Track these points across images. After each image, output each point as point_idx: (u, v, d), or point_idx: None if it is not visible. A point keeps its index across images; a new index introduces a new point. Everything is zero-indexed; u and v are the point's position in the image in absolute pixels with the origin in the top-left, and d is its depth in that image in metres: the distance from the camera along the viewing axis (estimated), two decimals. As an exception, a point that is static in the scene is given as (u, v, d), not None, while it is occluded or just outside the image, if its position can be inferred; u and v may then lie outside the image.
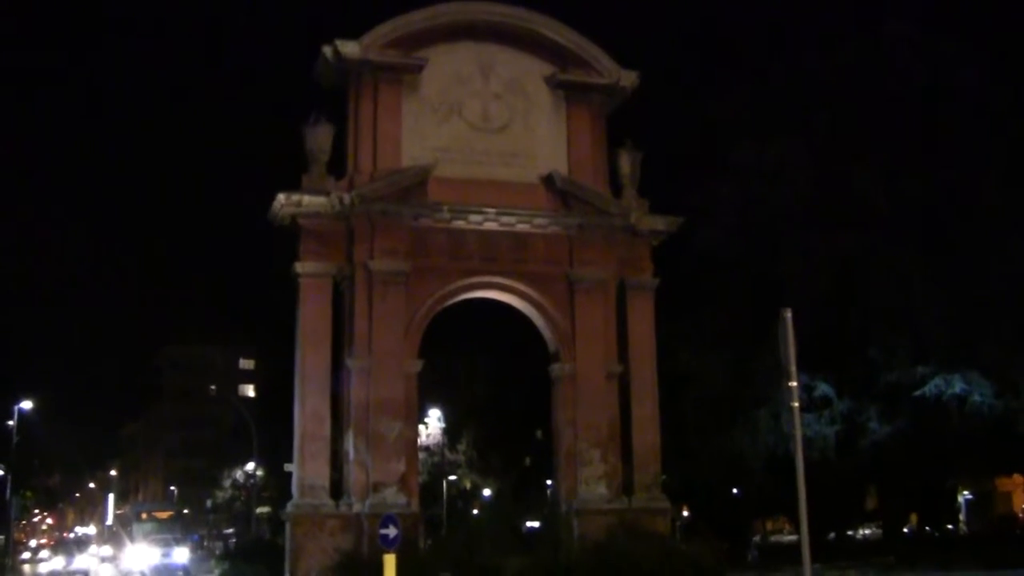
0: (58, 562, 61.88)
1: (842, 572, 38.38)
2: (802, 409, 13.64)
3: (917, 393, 43.38)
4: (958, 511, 61.17)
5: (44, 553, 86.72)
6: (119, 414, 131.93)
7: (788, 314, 12.56)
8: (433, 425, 60.29)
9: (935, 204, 43.60)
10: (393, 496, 31.22)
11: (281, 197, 32.67)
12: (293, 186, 33.06)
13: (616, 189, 35.95)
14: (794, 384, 12.68)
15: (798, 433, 12.50)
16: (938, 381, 43.12)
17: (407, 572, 26.98)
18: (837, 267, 43.97)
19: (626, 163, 36.14)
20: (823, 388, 44.47)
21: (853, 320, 44.61)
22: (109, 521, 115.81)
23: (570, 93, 35.76)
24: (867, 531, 64.61)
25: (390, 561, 25.97)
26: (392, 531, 26.83)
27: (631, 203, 35.66)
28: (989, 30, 51.13)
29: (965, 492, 59.83)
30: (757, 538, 67.31)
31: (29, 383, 69.92)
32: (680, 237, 37.64)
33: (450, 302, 34.55)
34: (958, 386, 42.94)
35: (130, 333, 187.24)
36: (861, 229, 43.55)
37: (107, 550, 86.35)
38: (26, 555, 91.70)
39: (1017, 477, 58.55)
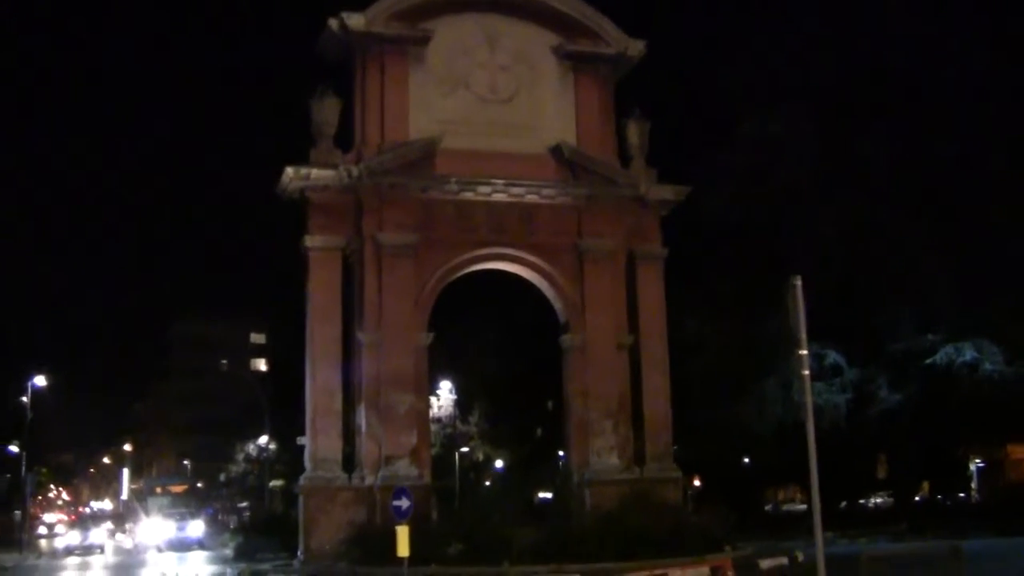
0: (74, 536, 62.27)
1: (853, 540, 38.42)
2: (812, 378, 13.61)
3: (927, 361, 43.39)
4: (969, 479, 61.06)
5: (60, 528, 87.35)
6: (132, 390, 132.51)
7: (798, 282, 12.51)
8: (445, 397, 60.35)
9: (942, 172, 43.46)
10: (405, 468, 31.34)
11: (289, 171, 32.67)
12: (301, 160, 33.06)
13: (624, 159, 35.86)
14: (804, 352, 12.62)
15: (809, 401, 12.49)
16: (948, 349, 43.11)
17: (420, 543, 27.09)
18: (844, 236, 43.88)
19: (634, 133, 36.04)
20: (833, 357, 44.47)
21: (861, 289, 44.55)
22: (124, 496, 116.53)
23: (577, 63, 35.61)
24: (878, 499, 64.62)
25: (403, 532, 26.07)
26: (404, 503, 26.93)
27: (639, 173, 35.58)
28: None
29: (976, 460, 59.64)
30: (769, 507, 67.44)
31: (42, 360, 70.05)
32: (688, 207, 37.55)
33: (459, 274, 34.58)
34: (968, 354, 42.93)
35: (141, 309, 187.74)
36: (868, 198, 43.46)
37: (118, 526, 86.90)
38: (42, 530, 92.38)
39: (1028, 444, 58.42)
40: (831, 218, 43.51)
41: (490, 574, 26.41)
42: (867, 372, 45.13)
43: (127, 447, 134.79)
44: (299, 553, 31.89)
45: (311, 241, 33.01)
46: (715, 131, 49.42)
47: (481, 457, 63.64)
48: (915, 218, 42.80)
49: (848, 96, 45.63)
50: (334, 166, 32.83)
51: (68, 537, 65.04)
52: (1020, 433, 50.63)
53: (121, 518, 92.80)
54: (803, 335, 12.65)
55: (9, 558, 48.71)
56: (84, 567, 43.50)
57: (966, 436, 50.15)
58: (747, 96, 46.75)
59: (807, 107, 44.90)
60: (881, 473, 58.08)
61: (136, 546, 63.90)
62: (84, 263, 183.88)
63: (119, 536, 77.93)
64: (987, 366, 42.83)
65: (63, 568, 43.86)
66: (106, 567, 43.56)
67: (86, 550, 57.64)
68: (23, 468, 58.37)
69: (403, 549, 25.99)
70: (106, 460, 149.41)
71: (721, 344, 46.20)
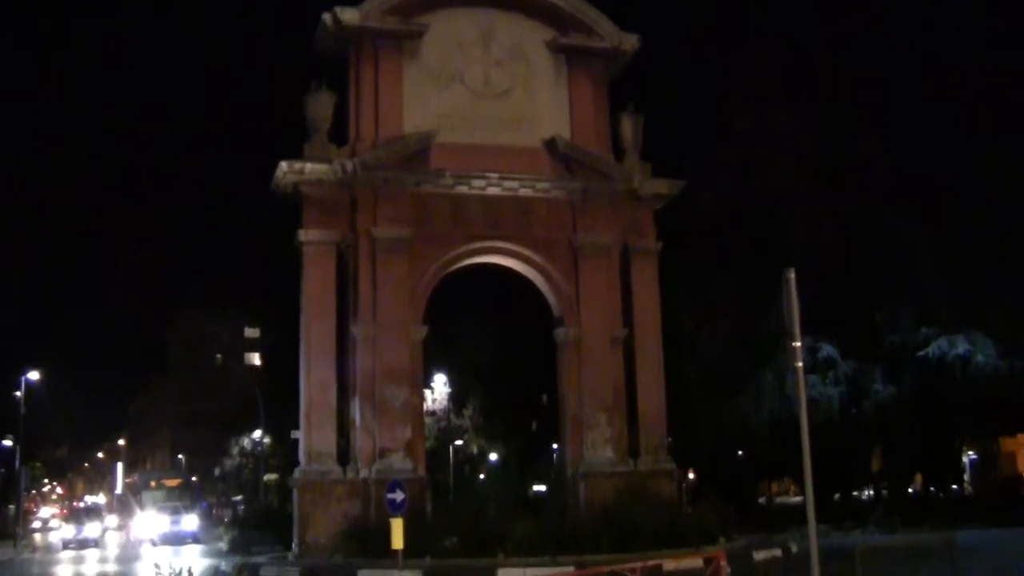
0: (68, 531, 62.36)
1: (847, 533, 38.59)
2: (806, 371, 13.70)
3: (921, 354, 43.59)
4: (962, 471, 61.35)
5: (54, 522, 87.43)
6: (126, 385, 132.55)
7: (791, 275, 12.56)
8: (439, 391, 60.47)
9: (937, 166, 43.63)
10: (400, 462, 31.40)
11: (283, 165, 32.68)
12: (296, 155, 33.09)
13: (618, 153, 35.87)
14: (798, 344, 12.68)
15: (803, 393, 12.54)
16: (942, 342, 43.29)
17: (414, 537, 27.16)
18: (839, 230, 44.01)
19: (628, 127, 36.03)
20: (827, 350, 44.66)
21: (856, 282, 44.70)
22: (118, 490, 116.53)
23: (571, 57, 35.61)
24: (872, 491, 64.88)
25: (397, 525, 26.13)
26: (399, 496, 27.00)
27: (634, 167, 35.60)
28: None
29: (969, 452, 59.98)
30: (763, 500, 67.62)
31: (36, 355, 70.20)
32: (683, 201, 37.62)
33: (454, 268, 34.61)
34: (962, 347, 43.13)
35: (135, 303, 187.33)
36: (863, 192, 43.59)
37: (112, 520, 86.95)
38: (37, 524, 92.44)
39: (1021, 437, 58.73)
40: (826, 212, 43.64)
41: (485, 566, 26.46)
42: (861, 365, 45.30)
43: (121, 442, 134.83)
44: (294, 546, 31.94)
45: (305, 236, 33.01)
46: (710, 125, 49.57)
47: (476, 450, 63.76)
48: (910, 212, 42.95)
49: (844, 90, 45.73)
50: (328, 161, 32.85)
51: (63, 531, 65.15)
52: (1013, 426, 50.92)
53: (120, 513, 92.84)
54: (797, 328, 12.71)
55: (3, 552, 48.73)
56: (79, 561, 43.52)
57: (959, 429, 50.40)
58: (742, 90, 46.81)
59: (802, 101, 45.03)
60: (875, 465, 58.31)
61: (131, 540, 63.94)
62: (79, 258, 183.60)
63: (115, 532, 77.94)
64: (980, 359, 43.03)
65: (58, 562, 43.88)
66: (101, 560, 43.59)
67: (81, 544, 57.71)
68: (17, 462, 58.36)
69: (397, 542, 26.05)
70: (100, 455, 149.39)
71: (716, 338, 46.34)
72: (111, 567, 38.99)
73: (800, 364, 12.71)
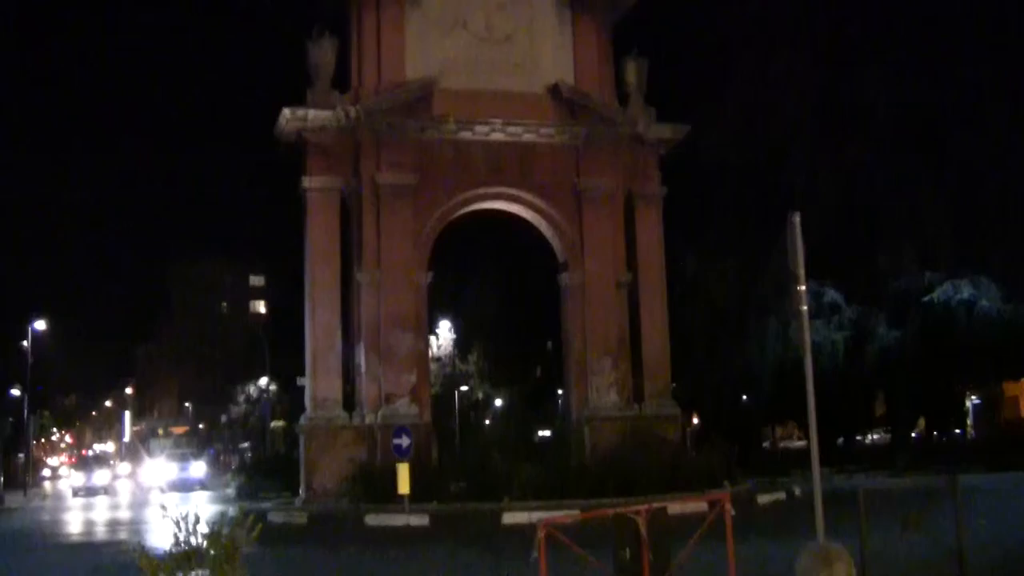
0: (78, 479, 62.89)
1: (851, 476, 38.82)
2: (811, 316, 13.66)
3: (925, 299, 43.56)
4: (965, 416, 61.51)
5: (64, 470, 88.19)
6: (132, 333, 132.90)
7: (797, 218, 12.51)
8: (444, 337, 60.62)
9: (942, 110, 43.34)
10: (405, 407, 31.56)
11: (286, 112, 32.58)
12: (299, 102, 32.96)
13: (623, 99, 35.69)
14: (803, 288, 12.63)
15: (807, 336, 12.53)
16: (946, 287, 43.27)
17: (421, 482, 27.40)
18: (844, 174, 43.84)
19: (632, 72, 35.80)
20: (832, 295, 44.66)
21: (860, 227, 44.60)
22: (126, 439, 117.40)
23: (575, 2, 35.29)
24: (875, 436, 65.15)
25: (403, 470, 26.37)
26: (405, 441, 27.25)
27: (638, 112, 35.43)
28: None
29: (972, 397, 60.04)
30: (767, 444, 67.91)
31: (42, 304, 70.36)
32: (687, 147, 37.48)
33: (458, 214, 34.57)
34: (966, 291, 43.10)
35: (139, 252, 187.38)
36: (868, 136, 43.37)
37: (125, 468, 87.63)
38: (47, 472, 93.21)
39: (1025, 381, 58.76)
40: (830, 157, 43.45)
41: (491, 511, 26.68)
42: (865, 310, 45.33)
43: (129, 390, 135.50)
44: (301, 492, 32.19)
45: (309, 183, 32.98)
46: (715, 70, 49.14)
47: (481, 396, 64.05)
48: (914, 156, 42.75)
49: (848, 34, 45.35)
50: (331, 107, 32.75)
51: (72, 479, 65.68)
52: (1016, 370, 50.95)
53: (129, 461, 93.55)
54: (802, 271, 12.67)
55: (14, 500, 49.19)
56: (89, 508, 43.94)
57: (963, 373, 50.47)
58: (747, 35, 46.43)
59: (807, 45, 44.66)
60: (878, 410, 58.52)
61: (139, 487, 64.48)
62: (84, 206, 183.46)
63: (125, 480, 78.49)
64: (984, 304, 43.02)
65: (68, 509, 44.30)
66: (111, 507, 43.99)
67: (90, 491, 58.21)
68: (25, 412, 58.72)
69: (404, 487, 26.32)
70: (108, 403, 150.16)
71: (720, 283, 46.34)
72: (121, 513, 39.34)
73: (805, 308, 12.68)
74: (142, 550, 6.07)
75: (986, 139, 42.64)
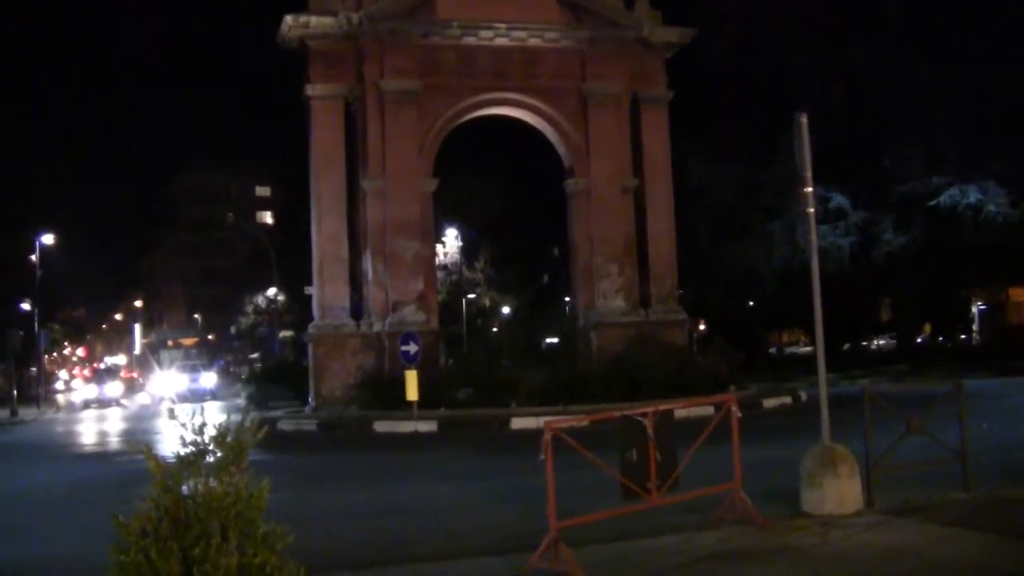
0: (90, 391, 63.37)
1: (856, 382, 38.99)
2: (817, 221, 13.54)
3: (932, 203, 43.26)
4: (971, 321, 61.67)
5: (77, 383, 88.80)
6: (138, 245, 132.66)
7: (804, 118, 12.32)
8: (451, 244, 60.53)
9: (950, 10, 42.58)
10: (412, 314, 31.68)
11: (289, 19, 32.23)
12: (301, 8, 32.59)
13: (628, 2, 35.17)
14: (809, 190, 12.48)
15: (813, 239, 12.43)
16: (953, 191, 42.93)
17: (428, 388, 27.61)
18: (850, 77, 43.30)
19: (637, -27, 35.23)
20: (838, 199, 44.37)
21: (867, 131, 44.16)
22: (137, 351, 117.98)
23: (579, -99, 34.57)
24: (881, 341, 65.39)
25: (411, 377, 26.54)
26: (412, 348, 27.40)
27: (643, 15, 34.97)
28: None
29: (978, 302, 60.13)
30: (773, 350, 68.27)
31: (48, 217, 70.17)
32: (694, 50, 37.04)
33: (463, 119, 34.35)
34: (973, 196, 42.76)
35: (144, 162, 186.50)
36: (875, 38, 42.75)
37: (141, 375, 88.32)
38: (59, 385, 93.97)
39: (1030, 286, 58.76)
40: (837, 59, 42.87)
41: (498, 416, 26.92)
42: (872, 215, 45.08)
43: (138, 303, 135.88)
44: (310, 400, 32.51)
45: (312, 90, 32.74)
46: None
47: (488, 303, 64.16)
48: (922, 58, 42.13)
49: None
50: (334, 13, 32.37)
51: (85, 391, 66.22)
52: (1022, 276, 50.89)
53: (140, 373, 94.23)
54: (808, 172, 12.51)
55: (28, 413, 49.65)
56: (102, 419, 44.37)
57: (968, 278, 50.46)
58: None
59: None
60: (884, 316, 58.63)
61: (151, 398, 65.04)
62: (88, 117, 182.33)
63: (135, 391, 79.17)
64: (991, 208, 42.71)
65: (82, 420, 44.74)
66: (123, 418, 44.42)
67: (102, 403, 58.74)
68: (35, 325, 58.95)
69: (412, 393, 26.52)
70: (118, 316, 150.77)
71: (726, 187, 46.08)
72: (132, 424, 39.73)
73: (812, 210, 12.55)
74: (148, 451, 6.08)
75: (995, 42, 41.94)
